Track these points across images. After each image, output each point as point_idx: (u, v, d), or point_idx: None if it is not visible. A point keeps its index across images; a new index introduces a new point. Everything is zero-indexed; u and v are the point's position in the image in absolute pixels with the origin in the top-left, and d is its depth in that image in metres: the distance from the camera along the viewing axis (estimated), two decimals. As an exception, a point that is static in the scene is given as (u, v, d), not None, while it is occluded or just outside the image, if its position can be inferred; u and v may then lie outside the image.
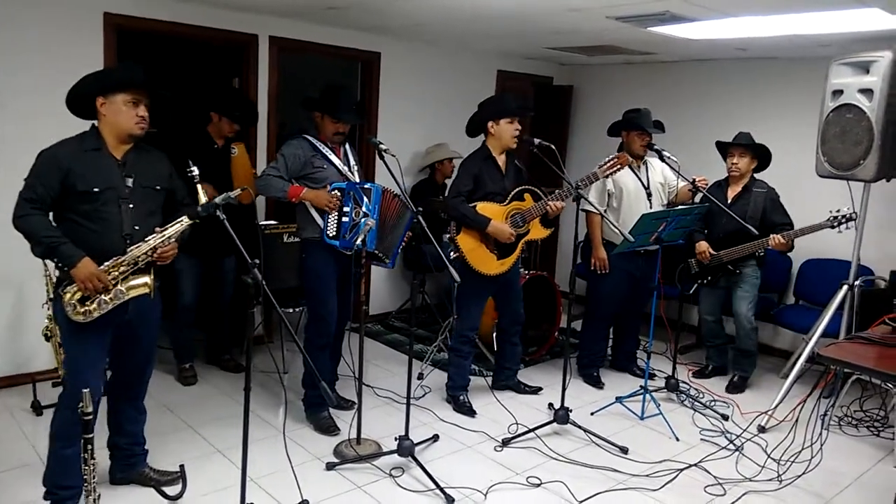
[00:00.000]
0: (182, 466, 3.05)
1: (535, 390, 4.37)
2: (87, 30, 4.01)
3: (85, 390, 2.31)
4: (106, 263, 2.62)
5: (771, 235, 4.15)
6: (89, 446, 2.37)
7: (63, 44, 3.91)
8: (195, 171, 2.72)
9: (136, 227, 2.70)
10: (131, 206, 2.69)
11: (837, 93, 3.96)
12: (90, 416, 2.33)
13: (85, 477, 2.42)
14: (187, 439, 3.56)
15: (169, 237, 2.72)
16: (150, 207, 2.78)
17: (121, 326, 2.75)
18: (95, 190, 2.61)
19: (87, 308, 2.61)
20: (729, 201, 4.38)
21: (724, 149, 4.47)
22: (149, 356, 2.99)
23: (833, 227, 3.99)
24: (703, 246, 4.40)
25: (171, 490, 2.99)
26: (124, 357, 2.91)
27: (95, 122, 2.71)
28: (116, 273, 2.64)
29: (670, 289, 4.89)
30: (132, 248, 2.67)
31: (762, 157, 4.39)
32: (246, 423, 2.47)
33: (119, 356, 2.90)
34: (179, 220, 2.76)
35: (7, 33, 3.74)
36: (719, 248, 4.37)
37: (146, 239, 2.69)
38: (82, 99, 2.68)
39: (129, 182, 2.70)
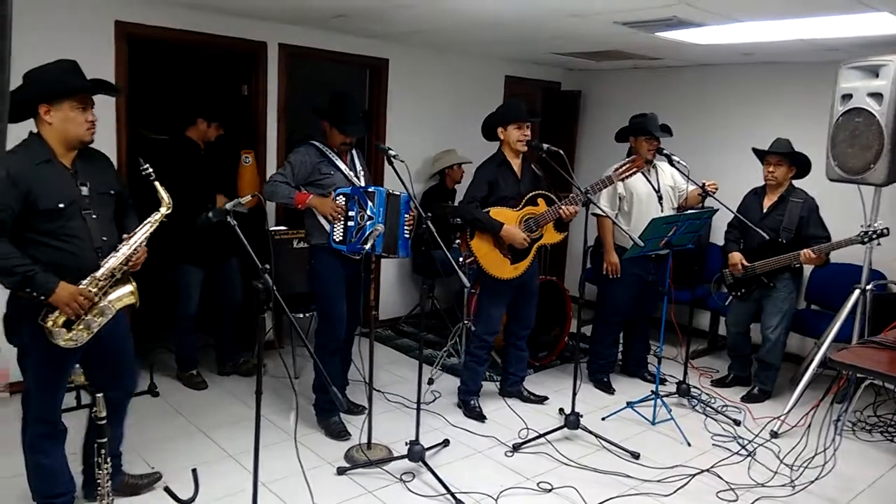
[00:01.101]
0: (194, 470, 3.05)
1: (541, 399, 4.33)
2: (99, 38, 4.05)
3: (98, 395, 2.33)
4: (83, 283, 2.49)
5: (803, 250, 4.05)
6: (102, 451, 2.39)
7: (74, 52, 3.87)
8: (149, 168, 2.64)
9: (105, 239, 2.59)
10: (94, 216, 2.56)
11: (847, 97, 3.95)
12: (104, 421, 2.35)
13: (98, 481, 2.43)
14: (199, 444, 3.57)
15: (141, 244, 2.63)
16: (109, 214, 2.68)
17: (93, 346, 2.63)
18: (60, 206, 2.45)
19: (76, 331, 2.50)
20: (764, 211, 4.31)
21: (762, 156, 4.34)
22: (128, 372, 2.89)
23: (864, 242, 3.89)
24: (736, 257, 4.34)
25: (183, 494, 3.00)
26: (103, 376, 2.81)
27: (34, 130, 2.53)
28: (96, 290, 2.53)
29: (681, 293, 4.88)
30: (105, 261, 2.56)
31: (801, 164, 4.26)
32: (257, 428, 2.48)
33: (98, 376, 2.82)
34: (147, 222, 2.67)
35: (19, 41, 3.77)
36: (754, 259, 4.28)
37: (117, 249, 2.59)
38: (22, 106, 2.46)
39: (85, 191, 2.55)
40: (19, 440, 3.47)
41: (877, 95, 3.80)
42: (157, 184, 2.67)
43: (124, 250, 2.60)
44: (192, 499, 2.98)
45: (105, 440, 2.35)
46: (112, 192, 2.69)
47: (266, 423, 3.61)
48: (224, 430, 3.72)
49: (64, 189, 2.49)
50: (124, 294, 2.63)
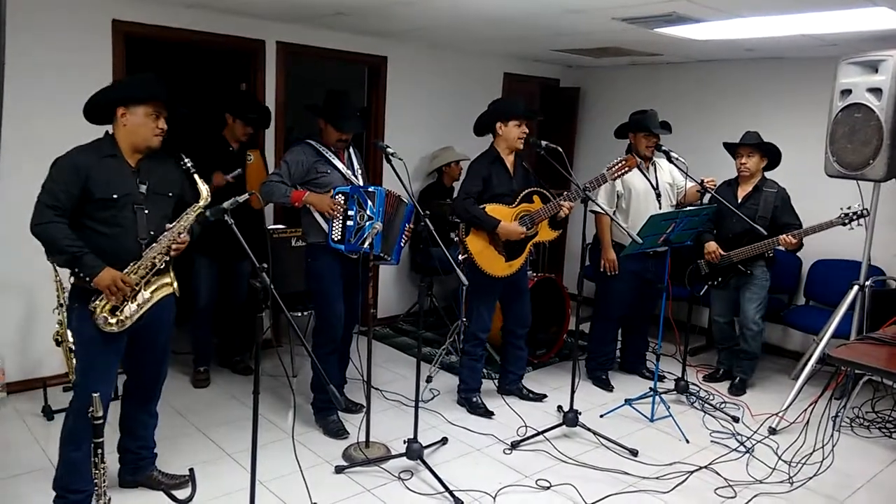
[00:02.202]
0: (191, 470, 3.06)
1: (540, 397, 4.32)
2: (97, 37, 4.04)
3: (95, 395, 2.33)
4: (126, 270, 2.65)
5: (781, 235, 4.11)
6: (99, 450, 2.39)
7: (72, 50, 3.94)
8: (188, 162, 2.79)
9: (152, 233, 2.75)
10: (146, 211, 2.73)
11: (846, 92, 3.94)
12: (100, 421, 2.35)
13: (95, 480, 2.44)
14: (197, 443, 3.57)
15: (179, 232, 2.76)
16: (164, 213, 2.83)
17: (136, 332, 2.76)
18: (114, 196, 2.64)
19: (119, 318, 2.65)
20: (739, 201, 4.35)
21: (733, 149, 4.43)
22: (164, 360, 3.02)
23: (844, 224, 3.93)
24: (711, 246, 4.38)
25: (181, 494, 3.00)
26: (140, 362, 2.93)
27: (109, 130, 2.74)
28: (137, 278, 2.67)
29: (679, 290, 4.88)
30: (147, 250, 2.71)
31: (772, 155, 4.35)
32: (255, 427, 2.48)
33: (135, 361, 2.93)
34: (185, 213, 2.80)
35: (17, 39, 3.77)
36: (729, 249, 4.33)
37: (159, 239, 2.74)
38: (102, 107, 2.71)
39: (143, 188, 2.73)
40: (17, 439, 3.49)
41: (876, 91, 3.79)
42: (196, 176, 2.81)
43: (163, 240, 2.73)
44: (190, 498, 2.98)
45: (101, 440, 2.35)
46: (170, 193, 2.84)
47: (264, 422, 3.63)
48: (222, 430, 3.72)
49: (122, 182, 2.67)
50: (163, 284, 2.78)
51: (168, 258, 2.77)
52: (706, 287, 4.52)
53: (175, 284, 2.82)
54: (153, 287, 2.74)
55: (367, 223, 3.46)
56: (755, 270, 4.34)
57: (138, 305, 2.69)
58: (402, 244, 3.65)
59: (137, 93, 2.70)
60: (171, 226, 2.77)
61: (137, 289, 2.68)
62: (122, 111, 2.68)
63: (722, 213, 4.31)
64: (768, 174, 4.41)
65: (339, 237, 3.50)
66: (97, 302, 2.62)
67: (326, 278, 3.60)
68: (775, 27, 4.01)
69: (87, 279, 2.58)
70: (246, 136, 4.33)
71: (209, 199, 2.82)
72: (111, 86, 2.78)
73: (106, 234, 2.64)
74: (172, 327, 3.00)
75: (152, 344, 2.89)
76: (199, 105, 4.31)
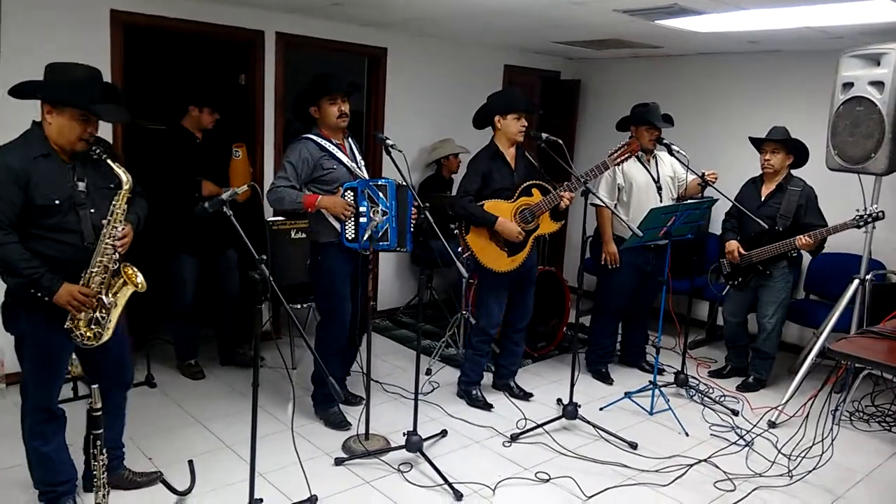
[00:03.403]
0: (191, 462, 3.07)
1: (527, 395, 4.25)
2: (95, 27, 4.01)
3: (94, 386, 2.32)
4: (81, 282, 2.51)
5: (798, 236, 4.05)
6: (98, 442, 2.39)
7: (71, 41, 3.91)
8: (98, 150, 2.56)
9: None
10: (91, 210, 2.55)
11: (848, 85, 3.92)
12: (99, 412, 2.35)
13: (94, 472, 2.43)
14: (196, 434, 3.57)
15: (114, 225, 2.55)
16: (109, 208, 2.60)
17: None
18: (56, 202, 2.45)
19: (96, 330, 2.56)
20: (762, 199, 4.30)
21: (759, 144, 4.33)
22: (125, 362, 2.89)
23: (859, 226, 3.89)
24: (732, 245, 4.33)
25: (180, 485, 3.01)
26: (103, 368, 2.80)
27: (37, 119, 2.53)
28: (96, 286, 2.53)
29: (679, 283, 4.87)
30: (95, 255, 2.54)
31: (798, 152, 4.24)
32: (254, 419, 2.48)
33: (98, 368, 2.80)
34: (112, 206, 2.55)
35: (15, 31, 3.75)
36: (751, 248, 4.28)
37: (100, 239, 2.54)
38: (27, 96, 2.51)
39: (82, 186, 2.53)
40: (17, 431, 3.47)
41: (878, 84, 3.77)
42: (109, 161, 2.57)
43: (107, 239, 2.53)
44: (189, 490, 2.99)
45: (100, 431, 2.35)
46: (112, 185, 2.60)
47: (263, 414, 3.64)
48: (221, 421, 3.72)
49: (60, 185, 2.48)
50: (119, 284, 2.61)
51: (118, 256, 2.57)
52: (728, 288, 4.49)
53: (139, 279, 2.60)
54: (114, 289, 2.58)
55: (384, 218, 3.43)
56: (775, 271, 4.27)
57: (102, 313, 2.55)
58: (412, 228, 3.62)
59: (63, 97, 2.45)
60: (105, 221, 2.55)
61: (100, 296, 2.53)
62: (47, 108, 2.46)
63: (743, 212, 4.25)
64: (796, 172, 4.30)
65: (353, 236, 3.46)
66: (74, 324, 2.52)
67: (337, 276, 3.57)
68: (777, 20, 3.98)
69: (46, 298, 2.44)
70: (212, 123, 4.18)
71: (130, 184, 2.59)
72: (45, 75, 2.49)
73: (53, 241, 2.47)
74: (125, 331, 2.86)
75: (107, 348, 2.72)
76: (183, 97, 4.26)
